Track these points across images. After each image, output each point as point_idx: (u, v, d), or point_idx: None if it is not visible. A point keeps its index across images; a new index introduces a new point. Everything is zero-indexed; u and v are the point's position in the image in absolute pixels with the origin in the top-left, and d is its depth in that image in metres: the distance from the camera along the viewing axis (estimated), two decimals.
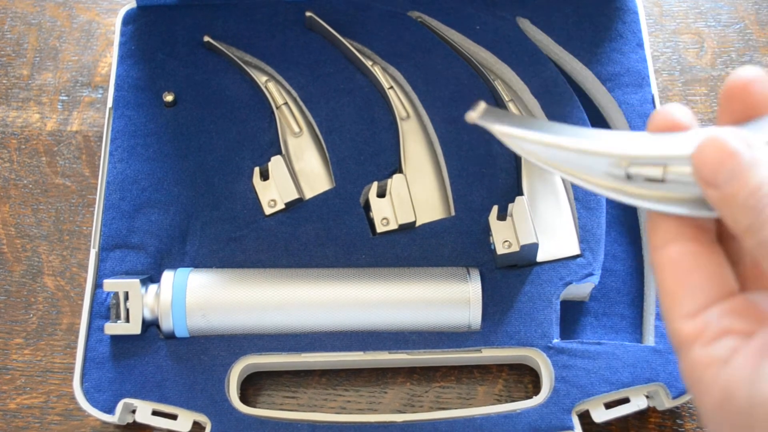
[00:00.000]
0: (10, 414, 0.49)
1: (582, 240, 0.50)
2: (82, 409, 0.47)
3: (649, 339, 0.49)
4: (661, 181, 0.29)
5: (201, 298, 0.47)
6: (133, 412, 0.47)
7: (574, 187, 0.52)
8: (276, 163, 0.52)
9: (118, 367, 0.47)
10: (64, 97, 0.59)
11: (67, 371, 0.50)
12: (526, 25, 0.58)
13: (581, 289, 0.50)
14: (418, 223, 0.51)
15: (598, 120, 0.56)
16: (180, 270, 0.48)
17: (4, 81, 0.59)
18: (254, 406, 0.48)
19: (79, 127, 0.57)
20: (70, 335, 0.51)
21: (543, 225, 0.51)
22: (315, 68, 0.56)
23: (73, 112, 0.58)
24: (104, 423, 0.47)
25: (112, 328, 0.47)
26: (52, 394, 0.49)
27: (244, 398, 0.48)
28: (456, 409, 0.48)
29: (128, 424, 0.47)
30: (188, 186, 0.52)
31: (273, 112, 0.54)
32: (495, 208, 0.49)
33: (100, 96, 0.59)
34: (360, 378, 0.50)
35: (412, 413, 0.47)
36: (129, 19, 0.58)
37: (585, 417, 0.47)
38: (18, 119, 0.58)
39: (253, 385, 0.49)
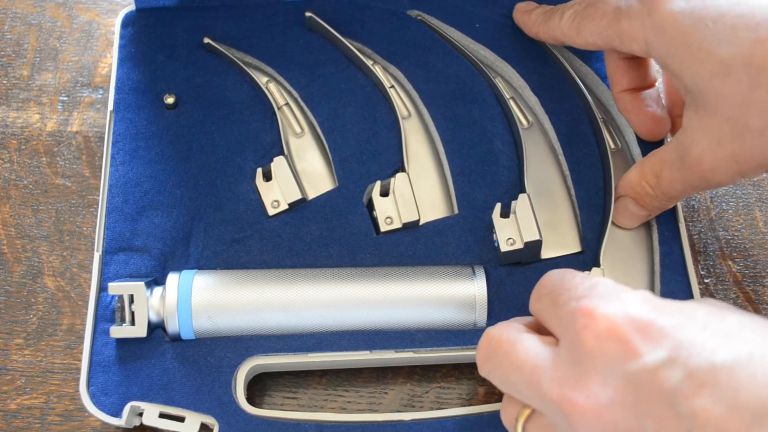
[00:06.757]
0: (10, 414, 0.49)
1: (584, 237, 0.51)
2: (82, 410, 0.47)
3: None
4: None
5: (206, 299, 0.47)
6: (141, 414, 0.47)
7: (575, 185, 0.52)
8: (278, 164, 0.52)
9: (124, 371, 0.47)
10: (64, 98, 0.58)
11: (67, 372, 0.50)
12: None
13: None
14: (421, 222, 0.51)
15: None
16: (184, 272, 0.48)
17: (4, 81, 0.59)
18: (258, 407, 0.48)
19: (79, 128, 0.57)
20: (71, 336, 0.51)
21: (545, 222, 0.51)
22: (315, 68, 0.56)
23: (73, 112, 0.58)
24: (104, 423, 0.47)
25: (118, 332, 0.47)
26: (52, 394, 0.49)
27: (250, 399, 0.48)
28: (456, 408, 0.48)
29: (135, 426, 0.47)
30: (191, 188, 0.52)
31: (274, 113, 0.54)
32: (498, 206, 0.49)
33: (100, 96, 0.58)
34: (360, 378, 0.50)
35: (413, 412, 0.48)
36: (128, 22, 0.57)
37: None
38: (18, 120, 0.58)
39: (255, 386, 0.49)
